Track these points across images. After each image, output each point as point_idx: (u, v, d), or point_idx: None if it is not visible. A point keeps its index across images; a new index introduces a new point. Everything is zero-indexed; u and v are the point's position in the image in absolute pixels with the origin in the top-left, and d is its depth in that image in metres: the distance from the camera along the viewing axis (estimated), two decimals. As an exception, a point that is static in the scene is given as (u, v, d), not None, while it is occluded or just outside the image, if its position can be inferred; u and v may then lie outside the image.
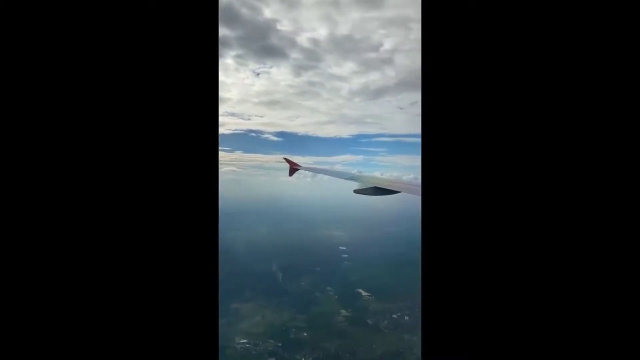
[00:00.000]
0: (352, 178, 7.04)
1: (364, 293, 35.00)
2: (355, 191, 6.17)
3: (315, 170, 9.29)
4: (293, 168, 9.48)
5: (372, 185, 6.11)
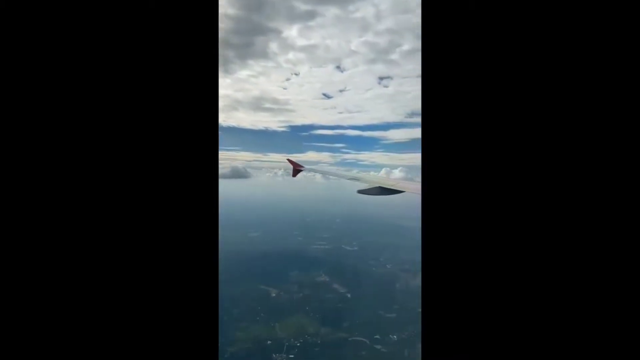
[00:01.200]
0: (354, 178, 7.04)
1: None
2: (360, 191, 6.17)
3: (319, 172, 9.31)
4: (296, 169, 9.50)
5: (377, 185, 6.11)
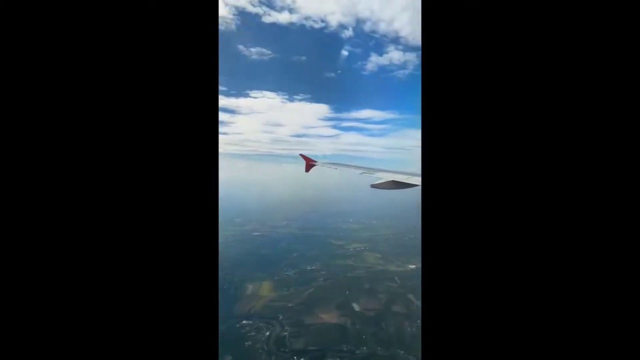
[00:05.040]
0: (368, 172, 6.97)
1: None
2: (373, 186, 6.11)
3: (332, 165, 9.26)
4: (310, 164, 9.51)
5: (390, 180, 6.03)
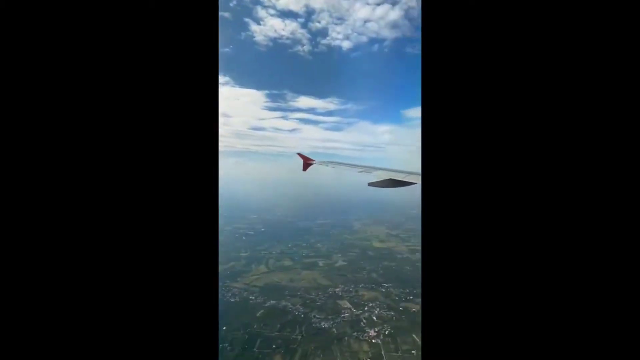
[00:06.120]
0: (366, 171, 6.99)
1: None
2: (370, 184, 6.14)
3: (330, 164, 9.26)
4: (307, 163, 9.52)
5: (388, 178, 6.06)
